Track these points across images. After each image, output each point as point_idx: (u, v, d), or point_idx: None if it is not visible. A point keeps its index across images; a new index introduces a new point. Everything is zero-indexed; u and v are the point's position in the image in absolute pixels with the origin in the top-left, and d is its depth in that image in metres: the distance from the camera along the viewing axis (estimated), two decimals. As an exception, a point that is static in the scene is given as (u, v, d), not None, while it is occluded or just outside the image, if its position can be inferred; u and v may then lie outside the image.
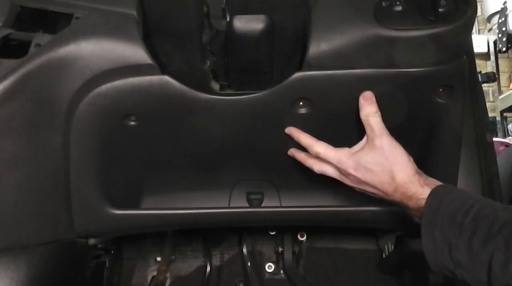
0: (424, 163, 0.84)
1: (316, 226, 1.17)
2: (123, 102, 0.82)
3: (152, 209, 0.97)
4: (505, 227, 0.68)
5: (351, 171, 0.84)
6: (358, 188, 0.86)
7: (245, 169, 0.99)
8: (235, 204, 0.99)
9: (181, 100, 0.83)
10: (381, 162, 0.82)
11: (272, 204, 1.00)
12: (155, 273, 1.23)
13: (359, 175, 0.84)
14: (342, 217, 0.97)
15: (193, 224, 0.99)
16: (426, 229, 0.74)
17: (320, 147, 0.86)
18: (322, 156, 0.87)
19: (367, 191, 0.85)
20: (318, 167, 0.89)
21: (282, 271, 1.25)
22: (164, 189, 0.99)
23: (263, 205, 1.01)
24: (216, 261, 1.27)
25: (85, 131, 0.83)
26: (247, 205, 1.00)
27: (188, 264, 1.27)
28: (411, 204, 0.79)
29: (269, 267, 1.26)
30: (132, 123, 0.85)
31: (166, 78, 0.81)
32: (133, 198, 0.98)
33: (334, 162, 0.86)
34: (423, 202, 0.77)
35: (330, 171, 0.88)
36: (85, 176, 0.87)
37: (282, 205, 1.00)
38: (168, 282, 1.25)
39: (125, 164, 0.93)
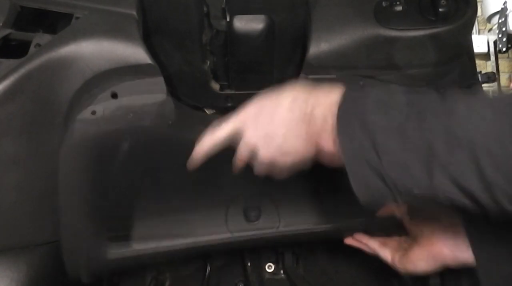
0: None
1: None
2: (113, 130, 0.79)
3: (147, 243, 0.90)
4: (452, 94, 0.53)
5: (245, 110, 0.69)
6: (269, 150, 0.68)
7: (241, 184, 0.94)
8: (232, 221, 0.94)
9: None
10: (274, 91, 0.68)
11: (270, 219, 0.95)
12: (155, 273, 1.23)
13: (254, 109, 0.68)
14: (347, 230, 0.94)
15: (189, 255, 0.95)
16: (342, 126, 0.56)
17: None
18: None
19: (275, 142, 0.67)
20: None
21: (282, 271, 1.25)
22: (156, 213, 0.93)
23: (262, 221, 0.95)
24: (216, 261, 1.27)
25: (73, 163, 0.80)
26: (244, 223, 0.94)
27: (188, 263, 1.27)
28: (319, 107, 0.61)
29: (269, 267, 1.25)
30: (123, 150, 0.81)
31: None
32: (124, 229, 0.91)
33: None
34: (332, 99, 0.60)
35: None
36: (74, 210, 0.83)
37: (282, 219, 0.95)
38: (168, 282, 1.25)
39: (114, 193, 0.88)
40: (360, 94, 0.58)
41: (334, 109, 0.58)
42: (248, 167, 0.79)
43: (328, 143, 0.60)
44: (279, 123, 0.65)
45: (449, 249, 0.78)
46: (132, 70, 0.80)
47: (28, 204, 0.80)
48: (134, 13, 0.81)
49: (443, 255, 0.78)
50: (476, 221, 0.55)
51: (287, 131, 0.65)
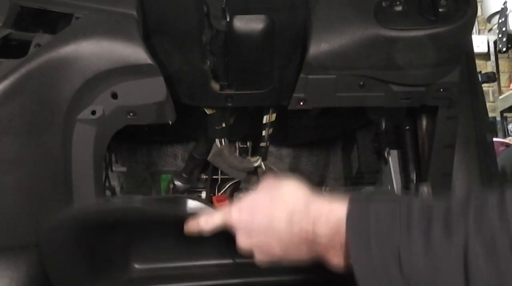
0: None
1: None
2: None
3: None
4: (470, 202, 0.48)
5: (235, 214, 0.63)
6: (259, 250, 0.62)
7: None
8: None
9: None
10: (267, 192, 0.62)
11: None
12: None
13: (245, 215, 0.62)
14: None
15: None
16: (356, 245, 0.52)
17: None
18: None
19: (263, 248, 0.61)
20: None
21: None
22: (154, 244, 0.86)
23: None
24: None
25: None
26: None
27: None
28: (322, 230, 0.56)
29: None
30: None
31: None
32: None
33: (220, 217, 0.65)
34: (338, 219, 0.55)
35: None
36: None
37: None
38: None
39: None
40: (368, 208, 0.53)
41: (342, 228, 0.53)
42: None
43: (338, 258, 0.56)
44: (275, 239, 0.60)
45: None
46: (132, 70, 0.80)
47: (28, 204, 0.80)
48: (134, 13, 0.81)
49: None
50: None
51: (284, 246, 0.60)
